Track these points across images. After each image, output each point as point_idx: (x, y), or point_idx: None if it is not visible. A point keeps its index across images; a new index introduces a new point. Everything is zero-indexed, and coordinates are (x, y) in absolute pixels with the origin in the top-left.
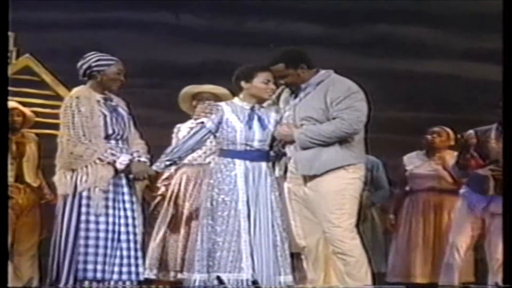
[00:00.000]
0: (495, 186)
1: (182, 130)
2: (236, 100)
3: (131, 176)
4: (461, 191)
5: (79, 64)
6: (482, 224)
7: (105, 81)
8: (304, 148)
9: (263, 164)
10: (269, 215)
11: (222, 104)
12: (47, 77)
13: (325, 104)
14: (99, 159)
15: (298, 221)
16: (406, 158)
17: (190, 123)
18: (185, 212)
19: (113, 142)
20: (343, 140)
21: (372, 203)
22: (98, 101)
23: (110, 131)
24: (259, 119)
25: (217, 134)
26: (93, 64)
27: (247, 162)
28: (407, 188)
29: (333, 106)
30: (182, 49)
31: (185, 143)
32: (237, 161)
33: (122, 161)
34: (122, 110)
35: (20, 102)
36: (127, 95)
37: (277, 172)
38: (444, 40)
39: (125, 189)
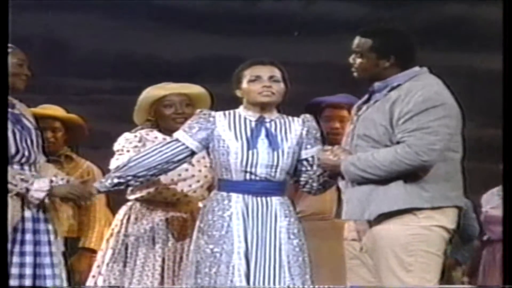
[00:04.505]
0: None
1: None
2: (240, 109)
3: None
4: None
5: None
6: None
7: None
8: (358, 183)
9: (274, 200)
10: (282, 273)
11: (217, 114)
12: None
13: (389, 119)
14: None
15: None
16: (485, 196)
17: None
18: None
19: (16, 167)
20: (410, 174)
21: (457, 263)
22: None
23: (13, 151)
24: (268, 135)
25: (211, 157)
26: None
27: (248, 197)
28: (485, 238)
29: (399, 125)
30: (170, 39)
31: (147, 157)
32: (233, 195)
33: (39, 188)
34: (28, 122)
35: None
36: (90, 103)
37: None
38: None
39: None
